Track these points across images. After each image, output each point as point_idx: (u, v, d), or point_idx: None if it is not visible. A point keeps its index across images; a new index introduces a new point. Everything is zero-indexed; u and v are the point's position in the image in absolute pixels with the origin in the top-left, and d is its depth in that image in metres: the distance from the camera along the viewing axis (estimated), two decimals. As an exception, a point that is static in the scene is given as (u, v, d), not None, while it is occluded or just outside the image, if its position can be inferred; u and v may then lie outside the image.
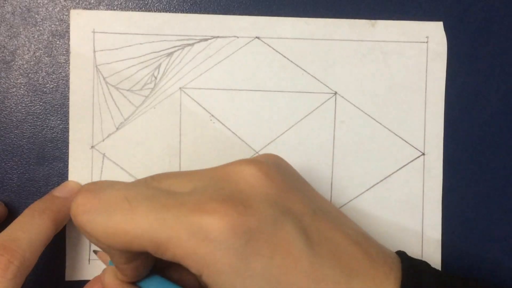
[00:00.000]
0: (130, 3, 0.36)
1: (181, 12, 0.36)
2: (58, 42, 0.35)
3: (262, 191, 0.24)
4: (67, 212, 0.33)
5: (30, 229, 0.31)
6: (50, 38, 0.35)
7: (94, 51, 0.35)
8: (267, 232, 0.23)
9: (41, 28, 0.35)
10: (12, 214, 0.35)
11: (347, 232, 0.25)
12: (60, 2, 0.36)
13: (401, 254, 0.27)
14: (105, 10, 0.35)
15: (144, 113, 0.36)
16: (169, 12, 0.36)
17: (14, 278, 0.29)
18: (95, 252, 0.35)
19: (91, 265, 0.36)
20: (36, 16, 0.35)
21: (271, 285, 0.22)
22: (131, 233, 0.23)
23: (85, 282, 0.35)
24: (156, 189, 0.25)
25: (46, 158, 0.36)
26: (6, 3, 0.35)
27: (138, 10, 0.36)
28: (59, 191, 0.34)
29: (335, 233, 0.24)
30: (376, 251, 0.25)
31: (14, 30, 0.35)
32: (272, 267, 0.22)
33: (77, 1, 0.36)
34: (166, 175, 0.26)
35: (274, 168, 0.25)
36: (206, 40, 0.36)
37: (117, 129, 0.36)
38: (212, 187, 0.24)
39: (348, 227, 0.25)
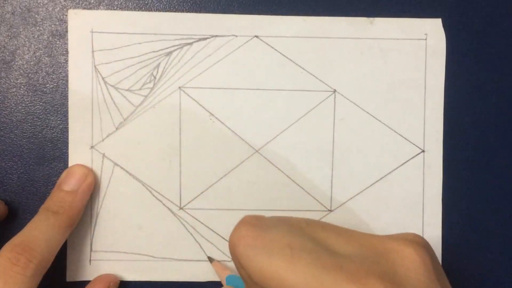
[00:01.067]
0: (129, 3, 0.36)
1: (179, 11, 0.36)
2: (58, 42, 0.36)
3: (416, 278, 0.24)
4: (80, 207, 0.34)
5: (46, 229, 0.32)
6: (50, 38, 0.36)
7: (93, 51, 0.35)
8: None
9: (41, 28, 0.36)
10: (12, 214, 0.36)
11: None
12: (60, 2, 0.36)
13: None
14: (104, 10, 0.36)
15: (144, 112, 0.36)
16: (168, 11, 0.36)
17: (33, 276, 0.30)
18: (210, 260, 0.36)
19: (92, 265, 0.36)
20: (36, 16, 0.36)
21: None
22: (286, 282, 0.23)
23: (86, 282, 0.35)
24: (317, 243, 0.25)
25: (46, 158, 0.36)
26: (6, 3, 0.35)
27: (137, 10, 0.36)
28: (68, 184, 0.34)
29: None
30: None
31: (14, 30, 0.35)
32: None
33: (77, 1, 0.36)
34: (322, 226, 0.26)
35: (430, 256, 0.25)
36: (205, 39, 0.36)
37: (117, 129, 0.36)
38: (370, 259, 0.24)
39: None
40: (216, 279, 0.36)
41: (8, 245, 0.30)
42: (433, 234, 0.37)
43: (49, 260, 0.31)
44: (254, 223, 0.26)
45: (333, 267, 0.23)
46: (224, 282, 0.34)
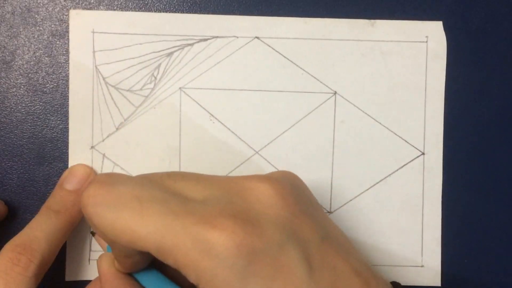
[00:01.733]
0: (130, 3, 0.36)
1: (180, 12, 0.36)
2: (58, 42, 0.36)
3: (273, 212, 0.24)
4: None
5: (47, 229, 0.32)
6: (50, 38, 0.36)
7: (94, 51, 0.35)
8: (270, 255, 0.22)
9: (41, 28, 0.36)
10: (12, 214, 0.36)
11: (350, 262, 0.24)
12: (60, 2, 0.36)
13: (396, 285, 0.27)
14: (105, 10, 0.36)
15: (144, 113, 0.36)
16: (169, 12, 0.36)
17: (34, 276, 0.30)
18: (92, 233, 0.35)
19: (91, 265, 0.36)
20: (36, 16, 0.36)
21: None
22: (137, 233, 0.23)
23: (85, 282, 0.35)
24: (169, 192, 0.25)
25: (46, 158, 0.36)
26: (6, 3, 0.35)
27: (138, 10, 0.36)
28: (70, 183, 0.34)
29: (338, 262, 0.24)
30: (376, 282, 0.25)
31: (14, 30, 0.35)
32: None
33: (77, 1, 0.36)
34: (182, 176, 0.26)
35: (289, 188, 0.25)
36: (205, 40, 0.36)
37: (117, 129, 0.36)
38: (224, 200, 0.24)
39: (353, 256, 0.25)
40: None
41: (9, 245, 0.30)
42: (433, 236, 0.37)
43: (50, 260, 0.31)
44: (103, 181, 0.25)
45: (184, 212, 0.23)
46: (105, 250, 0.33)
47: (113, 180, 0.25)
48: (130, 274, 0.29)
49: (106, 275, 0.29)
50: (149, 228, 0.23)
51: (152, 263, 0.29)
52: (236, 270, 0.22)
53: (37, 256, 0.30)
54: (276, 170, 0.36)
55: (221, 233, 0.22)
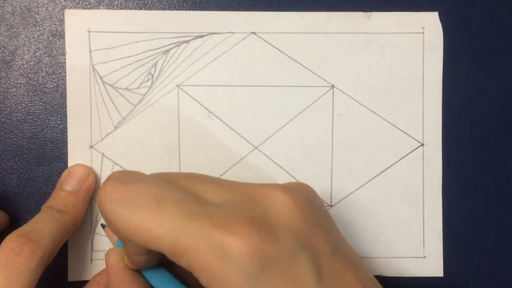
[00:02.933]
0: (130, 3, 0.36)
1: (176, 9, 0.36)
2: (58, 42, 0.36)
3: (288, 221, 0.24)
4: (82, 207, 0.34)
5: (51, 224, 0.31)
6: (50, 38, 0.36)
7: (90, 51, 0.36)
8: (283, 264, 0.23)
9: (41, 28, 0.36)
10: (12, 214, 0.36)
11: (359, 276, 0.25)
12: (60, 2, 0.36)
13: None
14: (104, 9, 0.36)
15: (142, 111, 0.36)
16: (164, 9, 0.36)
17: (36, 268, 0.29)
18: (102, 226, 0.35)
19: (94, 265, 0.36)
20: (36, 16, 0.36)
21: None
22: (152, 233, 0.23)
23: (88, 282, 0.35)
24: (186, 193, 0.25)
25: (46, 158, 0.36)
26: (6, 3, 0.36)
27: (136, 9, 0.36)
28: (69, 184, 0.34)
29: (348, 275, 0.24)
30: None
31: (14, 30, 0.36)
32: None
33: (77, 1, 0.36)
34: (200, 178, 0.26)
35: (305, 199, 0.25)
36: (202, 36, 0.36)
37: (116, 128, 0.36)
38: (241, 206, 0.24)
39: (362, 271, 0.25)
40: None
41: (11, 235, 0.29)
42: (434, 227, 0.36)
43: (52, 255, 0.31)
44: (121, 178, 0.25)
45: (201, 215, 0.23)
46: (114, 244, 0.33)
47: (130, 177, 0.25)
48: (138, 271, 0.29)
49: (114, 269, 0.29)
50: (164, 228, 0.23)
51: (161, 262, 0.29)
52: (248, 275, 0.22)
53: (40, 248, 0.29)
54: (279, 167, 0.36)
55: (237, 238, 0.22)
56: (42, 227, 0.30)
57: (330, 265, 0.24)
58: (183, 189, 0.25)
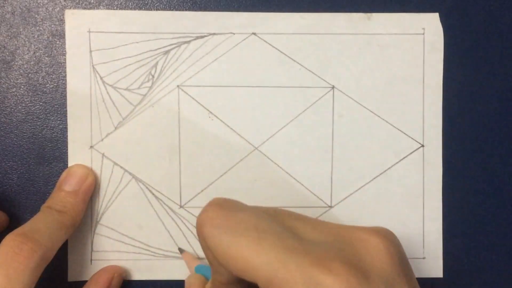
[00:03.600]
0: (130, 3, 0.36)
1: (177, 10, 0.36)
2: (58, 42, 0.36)
3: (380, 267, 0.24)
4: (81, 207, 0.34)
5: (51, 223, 0.31)
6: (50, 38, 0.36)
7: (90, 51, 0.36)
8: None
9: (41, 28, 0.36)
10: (12, 214, 0.36)
11: None
12: (60, 2, 0.36)
13: None
14: (105, 9, 0.36)
15: (143, 111, 0.36)
16: (165, 9, 0.36)
17: (36, 267, 0.29)
18: (181, 250, 0.36)
19: (93, 265, 0.36)
20: (36, 16, 0.36)
21: None
22: (251, 262, 0.23)
23: (88, 282, 0.35)
24: (285, 227, 0.25)
25: (46, 158, 0.36)
26: (6, 3, 0.36)
27: (137, 9, 0.36)
28: (68, 184, 0.34)
29: None
30: None
31: (14, 30, 0.36)
32: None
33: (77, 1, 0.36)
34: (289, 214, 0.26)
35: (395, 247, 0.25)
36: (202, 37, 0.36)
37: (116, 128, 0.36)
38: (336, 246, 0.24)
39: None
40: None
41: (10, 235, 0.29)
42: (434, 228, 0.36)
43: (51, 254, 0.30)
44: (222, 205, 0.26)
45: (299, 250, 0.23)
46: (193, 271, 0.34)
47: (232, 205, 0.26)
48: None
49: None
50: (264, 259, 0.23)
51: None
52: None
53: (40, 247, 0.29)
54: (279, 167, 0.36)
55: (335, 278, 0.22)
56: (42, 227, 0.30)
57: None
58: (281, 223, 0.25)
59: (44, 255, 0.29)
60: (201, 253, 0.36)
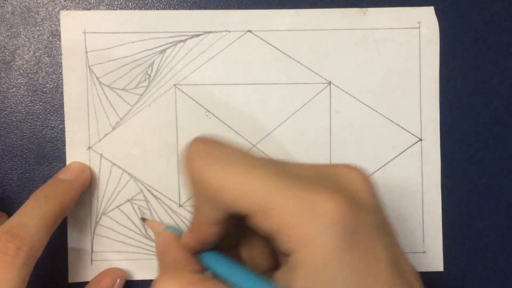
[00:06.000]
0: (130, 3, 0.36)
1: (172, 9, 0.36)
2: (58, 42, 0.36)
3: (364, 196, 0.24)
4: (73, 195, 0.33)
5: (36, 215, 0.31)
6: (50, 38, 0.36)
7: (86, 52, 0.36)
8: (364, 235, 0.22)
9: (41, 28, 0.36)
10: (12, 214, 0.35)
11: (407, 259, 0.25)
12: (60, 2, 0.36)
13: None
14: (104, 10, 0.36)
15: (140, 111, 0.36)
16: (160, 9, 0.36)
17: (24, 265, 0.29)
18: (143, 219, 0.35)
19: (94, 266, 0.36)
20: (36, 16, 0.36)
21: (358, 282, 0.22)
22: (243, 190, 0.23)
23: (88, 283, 0.35)
24: (271, 160, 0.25)
25: (46, 158, 0.36)
26: (6, 3, 0.36)
27: (135, 9, 0.36)
28: (64, 174, 0.34)
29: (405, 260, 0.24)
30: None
31: (14, 30, 0.36)
32: (360, 270, 0.22)
33: (76, 1, 0.36)
34: (278, 160, 0.26)
35: (370, 179, 0.25)
36: (198, 35, 0.36)
37: (113, 128, 0.36)
38: (323, 179, 0.24)
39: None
40: None
41: None
42: (434, 222, 0.36)
43: (40, 248, 0.30)
44: (208, 139, 0.25)
45: (291, 178, 0.23)
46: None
47: (218, 139, 0.26)
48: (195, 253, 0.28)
49: (169, 247, 0.28)
50: (256, 185, 0.23)
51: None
52: (337, 239, 0.22)
53: (25, 243, 0.29)
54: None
55: (330, 202, 0.22)
56: (27, 221, 0.30)
57: (397, 247, 0.24)
58: (269, 159, 0.25)
59: (31, 250, 0.29)
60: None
